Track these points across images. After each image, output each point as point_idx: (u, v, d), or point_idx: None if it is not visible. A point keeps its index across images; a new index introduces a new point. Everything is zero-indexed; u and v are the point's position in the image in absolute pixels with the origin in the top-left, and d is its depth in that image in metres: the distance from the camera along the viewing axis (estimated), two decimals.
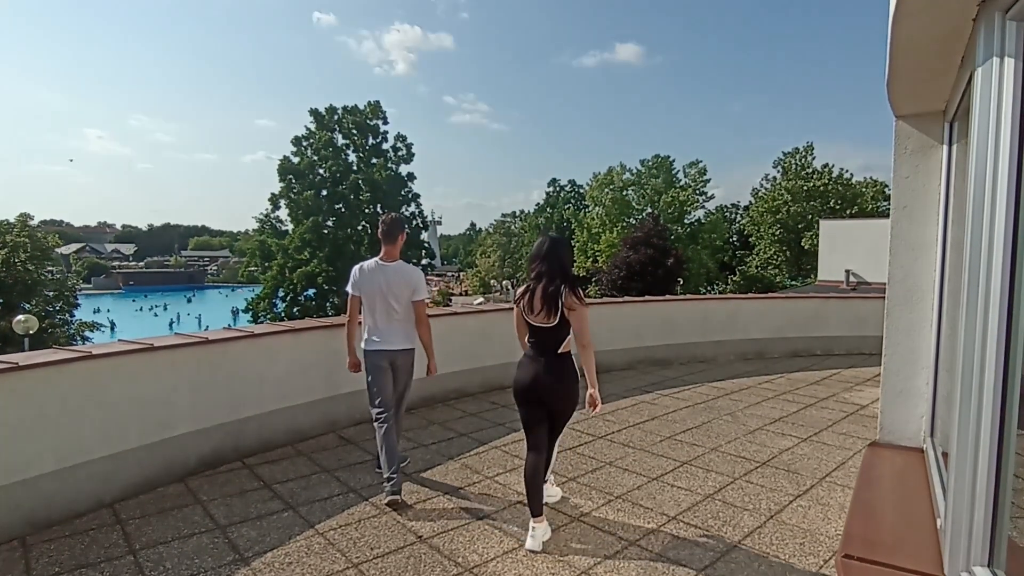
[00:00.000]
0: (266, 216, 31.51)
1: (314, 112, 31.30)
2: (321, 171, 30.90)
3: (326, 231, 30.64)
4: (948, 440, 1.89)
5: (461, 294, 60.57)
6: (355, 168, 31.56)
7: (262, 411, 4.41)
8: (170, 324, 48.25)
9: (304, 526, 3.25)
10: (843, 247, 16.89)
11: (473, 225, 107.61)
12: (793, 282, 32.12)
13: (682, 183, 36.84)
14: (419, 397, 5.46)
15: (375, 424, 3.70)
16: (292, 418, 4.63)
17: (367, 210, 30.98)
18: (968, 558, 1.47)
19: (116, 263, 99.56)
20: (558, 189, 53.64)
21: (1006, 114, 1.38)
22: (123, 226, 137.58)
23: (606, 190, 37.68)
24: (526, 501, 3.09)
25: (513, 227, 61.23)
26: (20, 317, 16.41)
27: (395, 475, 3.50)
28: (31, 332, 15.80)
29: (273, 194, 30.95)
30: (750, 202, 38.74)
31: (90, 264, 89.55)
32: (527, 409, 3.08)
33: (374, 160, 31.73)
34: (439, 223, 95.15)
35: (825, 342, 8.72)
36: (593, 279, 30.87)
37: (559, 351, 3.01)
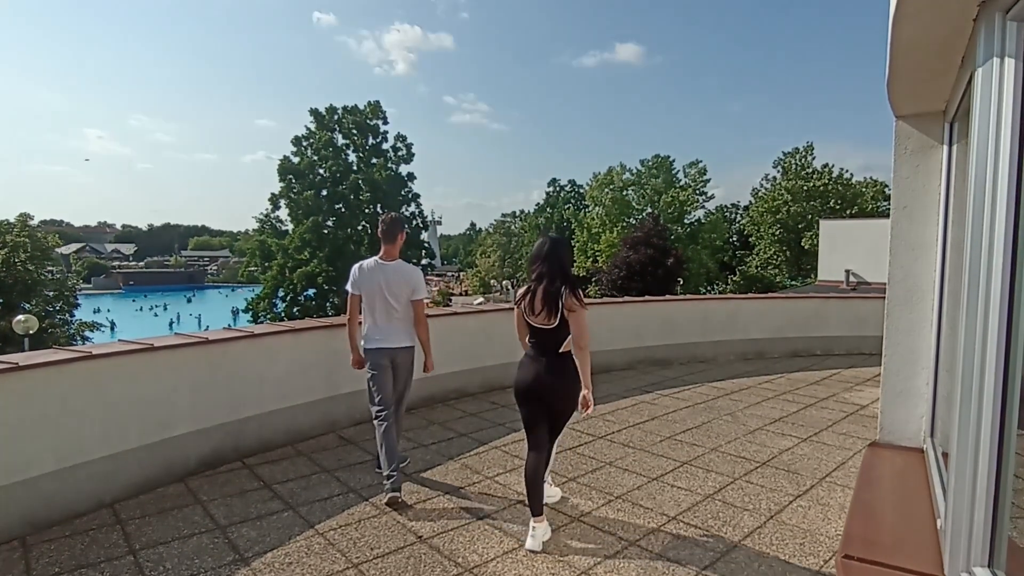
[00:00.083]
0: (266, 216, 31.53)
1: (314, 112, 31.32)
2: (321, 171, 30.90)
3: (326, 231, 30.65)
4: (948, 440, 1.89)
5: (461, 294, 60.56)
6: (355, 168, 31.57)
7: (262, 411, 4.41)
8: (170, 324, 48.25)
9: (304, 526, 3.25)
10: (843, 247, 16.89)
11: (473, 225, 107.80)
12: (793, 282, 32.12)
13: (682, 183, 36.86)
14: (419, 397, 5.45)
15: (375, 422, 3.71)
16: (292, 418, 4.63)
17: (367, 210, 30.99)
18: (968, 558, 1.47)
19: (116, 263, 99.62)
20: (558, 189, 53.64)
21: (1006, 115, 1.38)
22: (123, 226, 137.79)
23: (606, 190, 37.69)
24: (526, 501, 3.10)
25: (513, 227, 61.24)
26: (20, 317, 16.41)
27: (395, 473, 3.51)
28: (31, 332, 15.81)
29: (273, 194, 30.98)
30: (750, 202, 38.77)
31: (90, 264, 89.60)
32: (528, 409, 3.09)
33: (374, 160, 31.74)
34: (439, 223, 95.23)
35: (825, 342, 8.72)
36: (593, 279, 30.88)
37: (560, 351, 3.02)
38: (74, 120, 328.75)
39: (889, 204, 2.73)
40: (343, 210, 30.99)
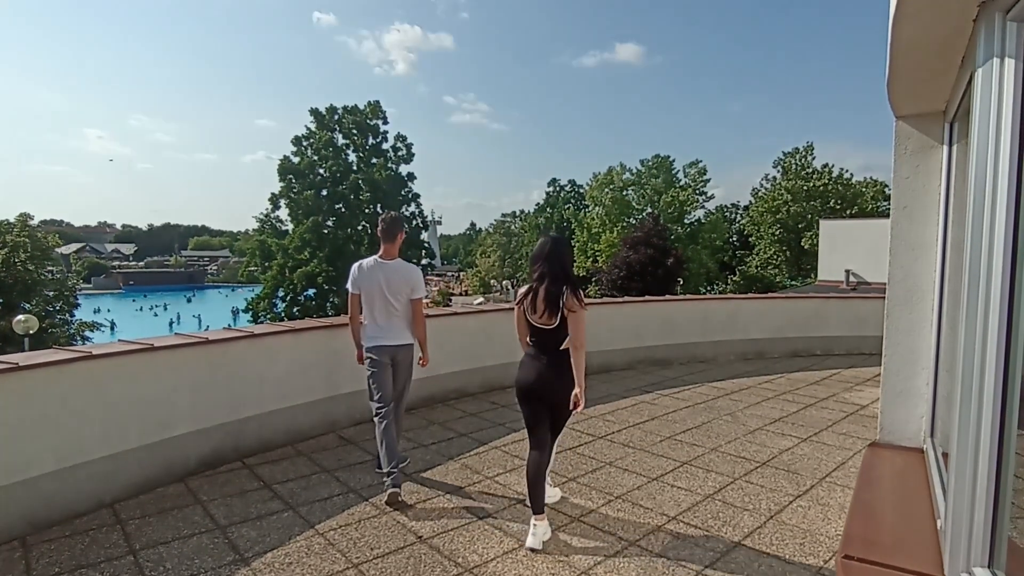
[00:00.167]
0: (266, 216, 31.55)
1: (314, 112, 31.33)
2: (321, 171, 30.92)
3: (326, 231, 30.66)
4: (948, 440, 1.89)
5: (461, 294, 60.56)
6: (355, 168, 31.58)
7: (262, 411, 4.41)
8: (170, 324, 48.24)
9: (304, 526, 3.25)
10: (843, 247, 16.89)
11: (473, 225, 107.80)
12: (793, 282, 32.12)
13: (682, 183, 36.86)
14: (419, 397, 5.46)
15: (375, 419, 3.72)
16: (292, 418, 4.63)
17: (367, 210, 31.00)
18: (968, 559, 1.46)
19: (116, 263, 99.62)
20: (558, 189, 53.64)
21: (1006, 115, 1.38)
22: (123, 226, 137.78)
23: (606, 190, 37.70)
24: (528, 499, 3.10)
25: (513, 227, 61.23)
26: (20, 317, 16.40)
27: (395, 470, 3.53)
28: (31, 332, 15.79)
29: (273, 194, 31.00)
30: (750, 202, 38.78)
31: (90, 264, 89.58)
32: (530, 408, 3.11)
33: (374, 160, 31.75)
34: (439, 223, 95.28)
35: (825, 342, 8.72)
36: (593, 279, 30.87)
37: (560, 350, 3.03)
38: (74, 120, 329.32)
39: (889, 204, 2.73)
40: (343, 210, 31.00)
